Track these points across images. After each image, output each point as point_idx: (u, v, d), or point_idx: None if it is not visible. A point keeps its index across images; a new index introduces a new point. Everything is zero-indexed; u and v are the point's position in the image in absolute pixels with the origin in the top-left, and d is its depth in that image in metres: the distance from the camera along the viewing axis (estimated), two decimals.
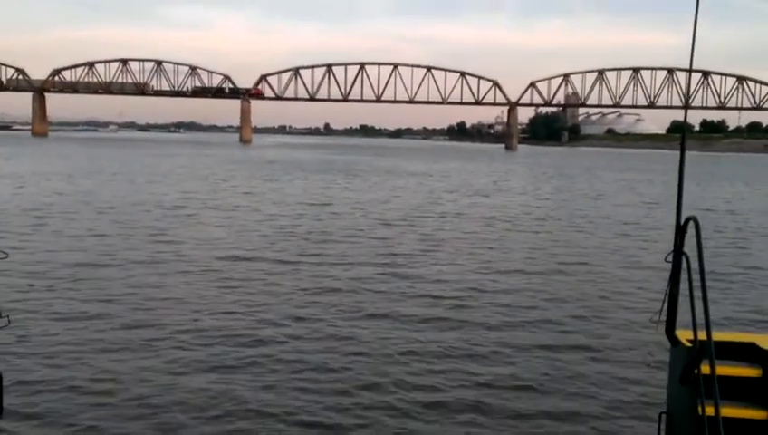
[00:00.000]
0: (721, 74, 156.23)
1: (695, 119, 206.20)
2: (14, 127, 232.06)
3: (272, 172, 52.77)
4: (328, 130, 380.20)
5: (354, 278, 13.81)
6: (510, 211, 28.69)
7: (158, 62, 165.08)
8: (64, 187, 33.65)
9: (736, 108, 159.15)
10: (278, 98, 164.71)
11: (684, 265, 3.81)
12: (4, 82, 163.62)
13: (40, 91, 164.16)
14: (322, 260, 15.73)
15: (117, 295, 11.85)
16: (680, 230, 3.83)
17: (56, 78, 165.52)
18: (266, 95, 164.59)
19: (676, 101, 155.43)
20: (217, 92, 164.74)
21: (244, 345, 9.37)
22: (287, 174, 50.79)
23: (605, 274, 15.62)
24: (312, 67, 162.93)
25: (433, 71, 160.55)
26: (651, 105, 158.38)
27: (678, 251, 3.84)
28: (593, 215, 28.02)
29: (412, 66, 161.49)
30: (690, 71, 4.22)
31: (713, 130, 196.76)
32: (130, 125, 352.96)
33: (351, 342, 9.66)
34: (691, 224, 3.70)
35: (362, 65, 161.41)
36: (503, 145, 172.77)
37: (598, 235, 22.16)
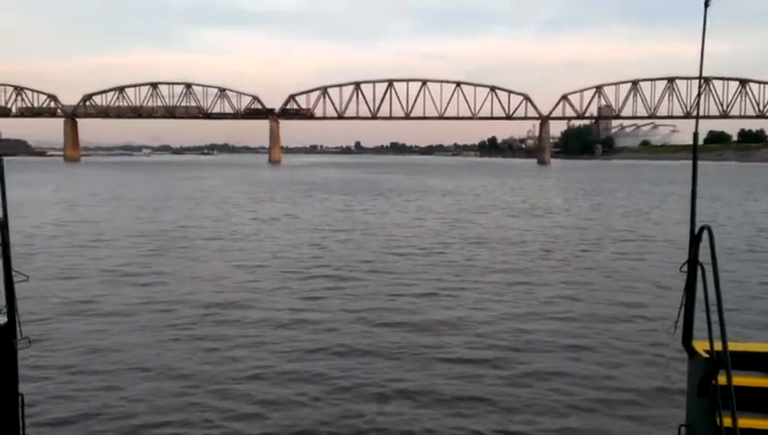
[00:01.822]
0: (759, 82, 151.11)
1: (733, 128, 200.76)
2: (48, 153, 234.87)
3: (293, 194, 50.47)
4: (359, 149, 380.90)
5: (350, 345, 10.89)
6: (546, 232, 25.83)
7: (188, 85, 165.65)
8: (63, 216, 31.55)
9: None
10: (306, 117, 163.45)
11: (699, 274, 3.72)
12: (36, 108, 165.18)
13: (71, 116, 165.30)
14: (317, 316, 12.76)
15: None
16: (694, 240, 3.82)
17: (87, 103, 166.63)
18: (294, 114, 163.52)
19: (714, 111, 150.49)
20: (266, 113, 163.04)
21: None
22: (308, 196, 48.39)
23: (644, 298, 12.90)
24: (341, 86, 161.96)
25: (462, 86, 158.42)
26: (687, 115, 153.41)
27: (693, 261, 3.82)
28: (637, 236, 25.00)
29: (441, 82, 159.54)
30: (700, 78, 4.80)
31: (752, 140, 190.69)
32: (165, 148, 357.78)
33: None
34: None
35: (390, 82, 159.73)
36: (535, 160, 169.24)
37: (642, 258, 19.25)
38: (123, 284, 15.53)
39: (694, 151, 4.06)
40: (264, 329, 11.50)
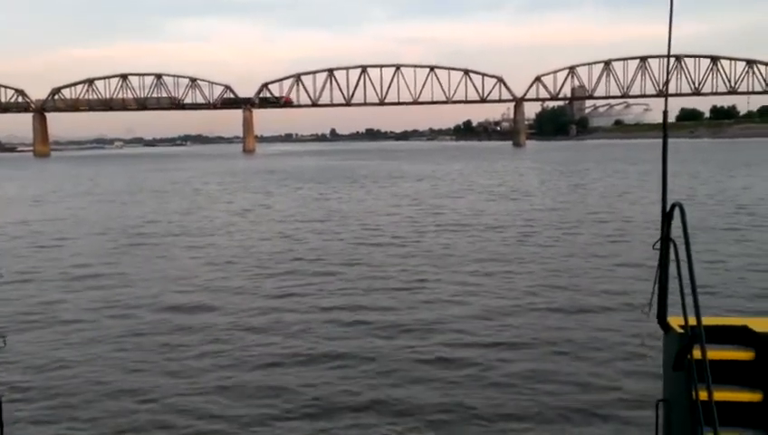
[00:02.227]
0: (730, 59, 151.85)
1: (705, 105, 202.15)
2: (18, 148, 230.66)
3: (266, 184, 49.65)
4: (334, 136, 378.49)
5: (323, 349, 10.37)
6: (525, 216, 25.38)
7: (158, 76, 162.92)
8: (26, 213, 30.55)
9: (747, 92, 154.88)
10: (283, 105, 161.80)
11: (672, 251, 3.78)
12: (4, 104, 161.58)
13: (40, 110, 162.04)
14: (289, 317, 12.16)
15: None
16: (666, 217, 3.83)
17: (56, 97, 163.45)
18: (272, 103, 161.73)
19: (686, 88, 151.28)
20: (240, 102, 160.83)
21: None
22: (282, 186, 47.56)
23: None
24: (314, 73, 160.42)
25: (436, 70, 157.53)
26: (660, 94, 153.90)
27: (666, 238, 3.85)
28: (616, 217, 24.64)
29: (414, 66, 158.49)
30: (668, 57, 4.14)
31: (724, 116, 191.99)
32: (137, 141, 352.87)
33: None
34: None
35: (364, 68, 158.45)
36: (510, 142, 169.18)
37: (623, 240, 18.87)
38: (85, 287, 14.77)
39: (664, 129, 4.06)
40: (231, 333, 10.87)
